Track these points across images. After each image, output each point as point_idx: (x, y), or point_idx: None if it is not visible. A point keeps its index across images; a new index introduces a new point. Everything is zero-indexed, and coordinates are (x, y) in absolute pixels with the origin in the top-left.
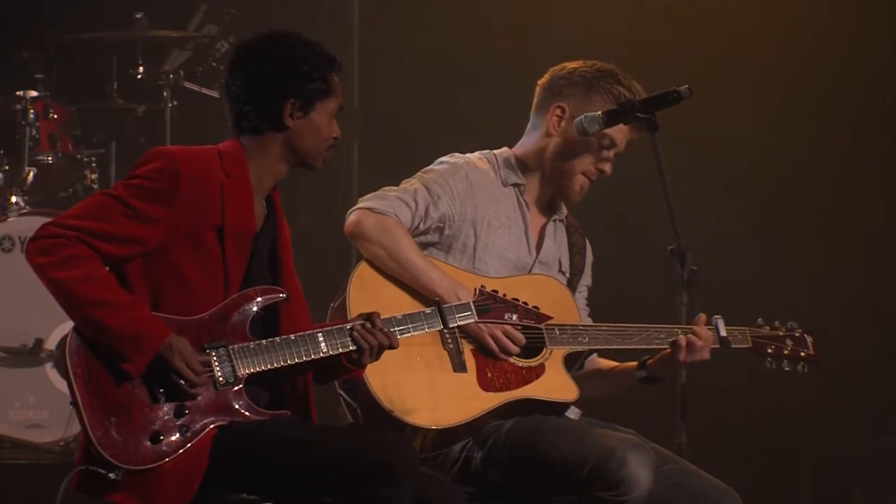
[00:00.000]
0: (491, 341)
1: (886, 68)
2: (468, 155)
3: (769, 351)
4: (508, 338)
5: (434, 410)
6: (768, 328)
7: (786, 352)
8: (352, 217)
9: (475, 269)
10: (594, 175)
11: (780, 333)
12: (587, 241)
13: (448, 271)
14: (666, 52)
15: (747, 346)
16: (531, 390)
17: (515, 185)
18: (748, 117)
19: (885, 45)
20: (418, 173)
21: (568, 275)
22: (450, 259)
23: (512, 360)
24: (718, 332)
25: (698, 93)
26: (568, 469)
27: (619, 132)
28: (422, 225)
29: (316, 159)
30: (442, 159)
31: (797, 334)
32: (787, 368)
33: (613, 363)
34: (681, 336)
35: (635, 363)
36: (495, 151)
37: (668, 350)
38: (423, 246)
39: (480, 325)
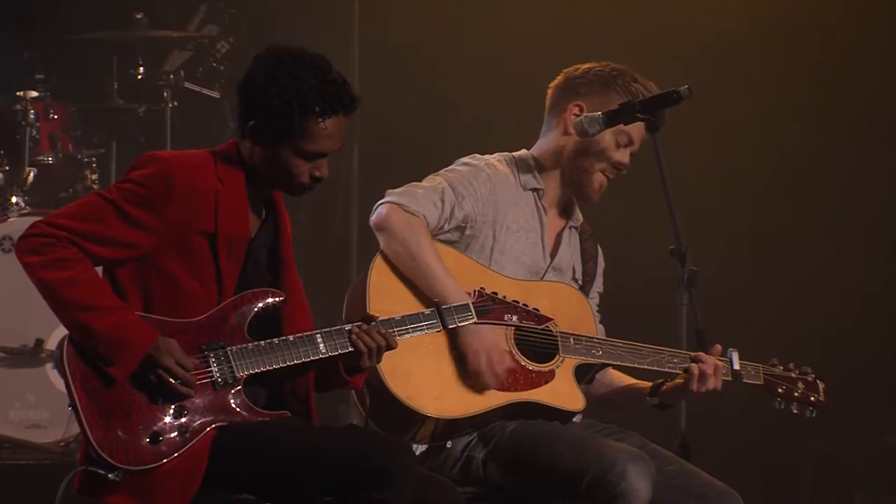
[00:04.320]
0: (472, 358)
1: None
2: (487, 157)
3: (780, 391)
4: (491, 367)
5: (439, 400)
6: (781, 368)
7: (796, 394)
8: (381, 210)
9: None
10: (612, 173)
11: (793, 375)
12: (599, 247)
13: (470, 266)
14: (667, 52)
15: (759, 382)
16: (538, 394)
17: (534, 189)
18: (753, 120)
19: (886, 48)
20: (442, 171)
21: (580, 282)
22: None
23: (523, 361)
24: (732, 365)
25: (700, 94)
26: (568, 478)
27: (637, 129)
28: (446, 225)
29: (281, 188)
30: (463, 160)
31: (809, 379)
32: (795, 411)
33: (630, 380)
34: (693, 365)
35: (649, 384)
36: (514, 154)
37: (681, 379)
38: (442, 243)
39: (472, 342)
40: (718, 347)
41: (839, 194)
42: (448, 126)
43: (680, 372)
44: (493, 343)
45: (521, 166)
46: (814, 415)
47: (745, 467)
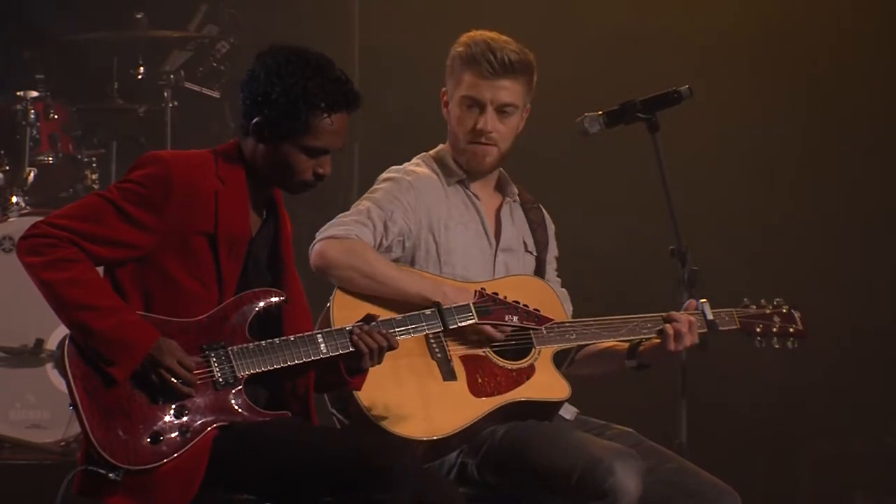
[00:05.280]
0: (493, 330)
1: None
2: (406, 165)
3: (757, 330)
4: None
5: (426, 421)
6: (755, 307)
7: (774, 329)
8: (315, 249)
9: (443, 275)
10: (479, 137)
11: (768, 311)
12: (544, 212)
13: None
14: (669, 52)
15: (735, 327)
16: (522, 392)
17: (459, 181)
18: (753, 119)
19: (883, 49)
20: (365, 194)
21: (535, 253)
22: (416, 269)
23: (501, 363)
24: (705, 316)
25: (699, 92)
26: (557, 477)
27: (474, 87)
28: (384, 242)
29: (283, 186)
30: (383, 176)
31: (784, 310)
32: (776, 346)
33: (606, 342)
34: (667, 325)
35: (626, 346)
36: (430, 153)
37: (658, 340)
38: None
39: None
40: (693, 303)
41: (841, 194)
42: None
43: (654, 335)
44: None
45: (440, 162)
46: (795, 345)
47: (745, 467)
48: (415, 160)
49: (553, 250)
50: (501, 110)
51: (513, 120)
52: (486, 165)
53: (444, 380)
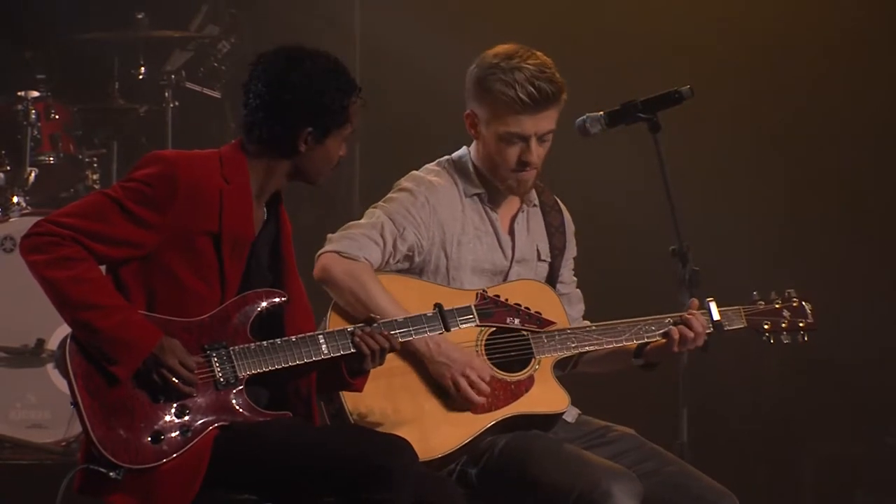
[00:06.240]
0: (451, 387)
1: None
2: (425, 172)
3: (765, 327)
4: (473, 387)
5: (422, 442)
6: (763, 303)
7: (783, 325)
8: (321, 262)
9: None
10: (523, 167)
11: (777, 306)
12: (565, 213)
13: (427, 289)
14: (668, 51)
15: (742, 325)
16: (519, 406)
17: (475, 194)
18: (750, 115)
19: (884, 49)
20: (380, 202)
21: (549, 259)
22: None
23: (500, 375)
24: (711, 316)
25: (700, 92)
26: (555, 495)
27: (517, 124)
28: (391, 260)
29: (319, 179)
30: (402, 184)
31: (794, 304)
32: (786, 341)
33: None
34: (672, 328)
35: (633, 344)
36: (453, 157)
37: (663, 340)
38: (394, 273)
39: (445, 372)
40: (695, 302)
41: (842, 194)
42: (450, 126)
43: (659, 337)
44: (467, 362)
45: (460, 172)
46: (806, 339)
47: (745, 467)
48: (435, 166)
49: (571, 250)
50: (543, 137)
51: (550, 140)
52: (531, 187)
53: (440, 396)
